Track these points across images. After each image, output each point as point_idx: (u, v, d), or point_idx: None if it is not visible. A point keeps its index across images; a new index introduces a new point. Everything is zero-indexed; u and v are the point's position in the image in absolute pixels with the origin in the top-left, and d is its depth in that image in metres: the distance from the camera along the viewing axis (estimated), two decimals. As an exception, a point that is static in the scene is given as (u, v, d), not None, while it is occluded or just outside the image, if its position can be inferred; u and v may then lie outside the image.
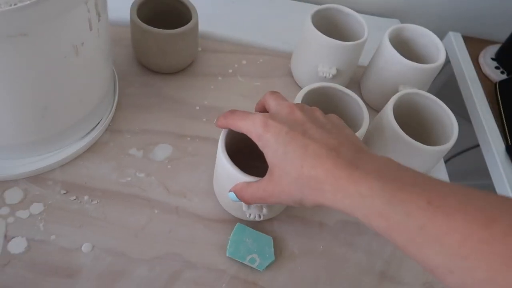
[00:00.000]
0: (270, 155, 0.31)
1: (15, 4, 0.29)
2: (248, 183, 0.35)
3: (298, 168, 0.29)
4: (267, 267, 0.41)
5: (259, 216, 0.40)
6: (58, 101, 0.40)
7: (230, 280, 0.40)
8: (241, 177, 0.37)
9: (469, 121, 0.67)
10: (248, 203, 0.36)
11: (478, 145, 0.66)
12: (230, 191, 0.37)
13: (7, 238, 0.39)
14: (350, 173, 0.27)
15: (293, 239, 0.44)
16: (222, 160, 0.38)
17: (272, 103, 0.35)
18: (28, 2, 0.29)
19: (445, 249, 0.22)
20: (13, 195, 0.42)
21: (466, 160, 1.01)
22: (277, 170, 0.31)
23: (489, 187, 0.63)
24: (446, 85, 0.86)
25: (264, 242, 0.42)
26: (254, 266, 0.41)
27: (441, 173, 0.56)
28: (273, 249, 0.42)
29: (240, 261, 0.41)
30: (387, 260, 0.45)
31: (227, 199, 0.42)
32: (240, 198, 0.36)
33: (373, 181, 0.26)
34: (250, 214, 0.40)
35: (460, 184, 0.25)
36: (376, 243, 0.46)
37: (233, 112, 0.36)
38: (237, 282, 0.40)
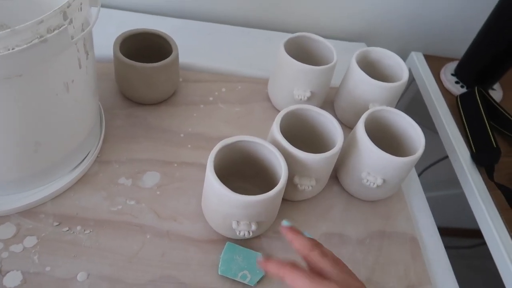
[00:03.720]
0: None
1: (12, 49, 0.31)
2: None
3: None
4: (258, 282, 0.43)
5: (249, 233, 0.42)
6: (50, 136, 0.42)
7: (224, 298, 0.42)
8: (230, 196, 0.39)
9: (437, 133, 0.72)
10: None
11: (447, 156, 0.70)
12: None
13: (2, 273, 0.39)
14: None
15: (281, 254, 0.46)
16: (211, 181, 0.40)
17: (333, 272, 0.34)
18: (25, 46, 0.31)
19: None
20: (6, 230, 0.42)
21: (438, 172, 1.06)
22: None
23: (461, 196, 0.67)
24: (413, 101, 0.92)
25: (254, 258, 0.44)
26: (245, 282, 0.42)
27: (415, 185, 0.59)
28: (263, 264, 0.44)
29: (232, 278, 0.43)
30: (371, 267, 0.48)
31: (216, 220, 0.44)
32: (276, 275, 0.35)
33: None
34: (240, 232, 0.42)
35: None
36: (359, 252, 0.49)
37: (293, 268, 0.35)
38: (231, 299, 0.42)
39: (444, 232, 0.61)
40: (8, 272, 0.40)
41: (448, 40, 0.85)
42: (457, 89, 0.74)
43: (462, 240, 1.19)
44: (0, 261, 0.40)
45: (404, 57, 0.84)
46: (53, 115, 0.40)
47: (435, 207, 0.61)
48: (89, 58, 0.42)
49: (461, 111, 0.70)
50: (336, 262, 0.35)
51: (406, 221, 0.53)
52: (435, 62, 0.80)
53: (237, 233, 0.42)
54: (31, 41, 0.32)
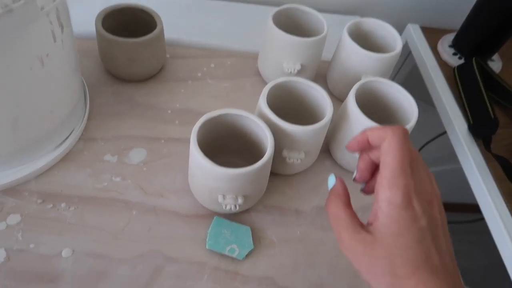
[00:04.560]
0: (389, 232, 0.26)
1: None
2: (346, 210, 0.29)
3: (408, 271, 0.26)
4: (247, 255, 0.42)
5: (235, 207, 0.42)
6: (28, 112, 0.40)
7: (211, 272, 0.41)
8: (214, 169, 0.38)
9: (435, 107, 0.70)
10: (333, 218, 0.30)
11: (446, 132, 0.69)
12: (331, 183, 0.32)
13: (-15, 250, 0.39)
14: None
15: (271, 228, 0.46)
16: (195, 154, 0.39)
17: (422, 169, 0.28)
18: (-11, 13, 0.30)
19: None
20: (-11, 208, 0.42)
21: (437, 148, 1.04)
22: (384, 250, 0.26)
23: (459, 171, 0.66)
24: (410, 76, 0.90)
25: (243, 232, 0.44)
26: (234, 255, 0.42)
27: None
28: (251, 238, 0.43)
29: (220, 252, 0.42)
30: (362, 240, 0.47)
31: (203, 194, 0.43)
32: (326, 207, 0.31)
33: None
34: (226, 205, 0.41)
35: None
36: (351, 225, 0.48)
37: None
38: (219, 273, 0.41)
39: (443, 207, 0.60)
40: (-9, 249, 0.39)
41: (445, 11, 0.82)
42: (455, 61, 0.72)
43: (460, 215, 1.18)
44: (-17, 239, 0.40)
45: (400, 30, 0.81)
46: (29, 91, 0.39)
47: None
48: (65, 32, 0.40)
49: (458, 82, 0.68)
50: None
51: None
52: (432, 34, 0.78)
53: (224, 207, 0.42)
54: (-4, 9, 0.30)
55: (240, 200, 0.41)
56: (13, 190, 0.43)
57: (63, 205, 0.43)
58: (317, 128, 0.44)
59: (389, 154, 0.27)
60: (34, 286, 0.37)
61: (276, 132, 0.43)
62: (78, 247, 0.41)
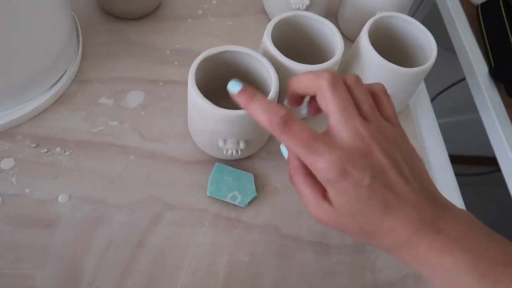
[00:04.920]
0: (343, 204, 0.26)
1: None
2: (305, 173, 0.28)
3: (374, 226, 0.26)
4: (249, 203, 0.41)
5: (237, 152, 0.39)
6: (13, 49, 0.37)
7: (212, 218, 0.40)
8: (213, 111, 0.35)
9: (455, 55, 0.66)
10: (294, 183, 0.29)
11: (464, 79, 0.64)
12: (284, 147, 0.31)
13: (-21, 195, 0.38)
14: (431, 239, 0.25)
15: (275, 175, 0.44)
16: (193, 95, 0.36)
17: (337, 118, 0.27)
18: None
19: None
20: (-19, 152, 0.40)
21: (452, 97, 1.00)
22: (348, 218, 0.27)
23: (475, 122, 0.62)
24: (429, 16, 0.83)
25: (245, 179, 0.42)
26: (236, 203, 0.40)
27: (424, 103, 0.55)
28: (254, 185, 0.41)
29: (221, 199, 0.40)
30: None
31: (203, 139, 0.41)
32: (289, 174, 0.30)
33: (458, 253, 0.24)
34: (227, 150, 0.39)
35: None
36: (359, 172, 0.45)
37: (292, 125, 0.27)
38: (220, 220, 0.40)
39: (454, 159, 0.58)
40: (-15, 194, 0.38)
41: None
42: (479, -2, 0.66)
43: (473, 167, 1.16)
44: (-24, 184, 0.38)
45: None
46: (11, 26, 0.35)
47: (446, 134, 0.57)
48: (47, -45, 0.36)
49: (482, 22, 0.63)
50: (379, 96, 0.30)
51: (412, 140, 0.49)
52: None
53: (225, 152, 0.39)
54: None
55: (242, 145, 0.39)
56: (5, 133, 0.42)
57: (58, 149, 0.41)
58: (325, 67, 0.40)
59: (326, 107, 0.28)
60: (30, 231, 0.37)
61: (281, 71, 0.39)
62: (74, 192, 0.39)
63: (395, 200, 0.26)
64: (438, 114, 0.55)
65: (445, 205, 0.27)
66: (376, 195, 0.26)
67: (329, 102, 0.28)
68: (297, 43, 0.46)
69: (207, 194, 0.40)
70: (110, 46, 0.50)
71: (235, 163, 0.43)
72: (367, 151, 0.26)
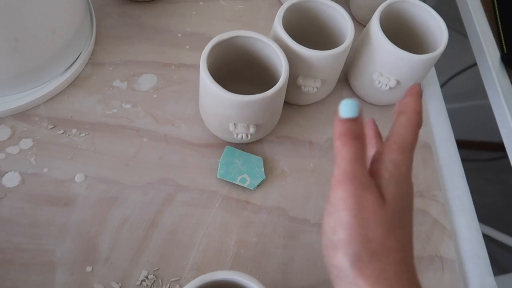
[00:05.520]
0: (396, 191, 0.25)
1: None
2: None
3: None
4: (258, 185, 0.42)
5: (247, 136, 0.40)
6: (29, 31, 0.38)
7: (222, 200, 0.41)
8: (224, 95, 0.36)
9: (467, 38, 0.65)
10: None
11: (475, 64, 0.64)
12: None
13: (0, 173, 0.39)
14: None
15: (283, 159, 0.45)
16: (205, 80, 0.37)
17: (391, 190, 0.26)
18: None
19: None
20: (1, 132, 0.42)
21: (462, 82, 0.99)
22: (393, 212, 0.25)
23: (484, 108, 0.62)
24: (441, 1, 0.82)
25: (255, 162, 0.43)
26: (245, 185, 0.41)
27: (434, 89, 0.55)
28: (263, 168, 0.43)
29: (231, 181, 0.42)
30: (377, 173, 0.46)
31: (214, 123, 0.42)
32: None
33: None
34: (237, 134, 0.40)
35: None
36: (366, 157, 0.46)
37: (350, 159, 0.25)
38: (230, 201, 0.41)
39: (462, 144, 0.58)
40: (6, 172, 0.40)
41: None
42: (494, -18, 0.65)
43: (480, 153, 1.16)
44: (-3, 162, 0.40)
45: None
46: (28, 8, 0.36)
47: (455, 119, 0.57)
48: None
49: (496, 7, 0.62)
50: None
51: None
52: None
53: (235, 136, 0.40)
54: None
55: (252, 129, 0.40)
56: (23, 114, 0.43)
57: (74, 130, 0.43)
58: (335, 53, 0.41)
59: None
60: (49, 209, 0.38)
61: (290, 56, 0.40)
62: (90, 172, 0.41)
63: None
64: (447, 99, 0.56)
65: None
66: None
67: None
68: (308, 28, 0.46)
69: (218, 176, 0.42)
70: (123, 29, 0.51)
71: (244, 146, 0.44)
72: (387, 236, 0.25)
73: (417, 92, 0.29)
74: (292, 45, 0.40)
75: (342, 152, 0.25)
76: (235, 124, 0.39)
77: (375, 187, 0.25)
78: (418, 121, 0.28)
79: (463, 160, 0.51)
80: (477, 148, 1.19)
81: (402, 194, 0.26)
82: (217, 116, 0.40)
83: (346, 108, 0.27)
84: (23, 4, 0.36)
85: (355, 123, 0.26)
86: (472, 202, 0.47)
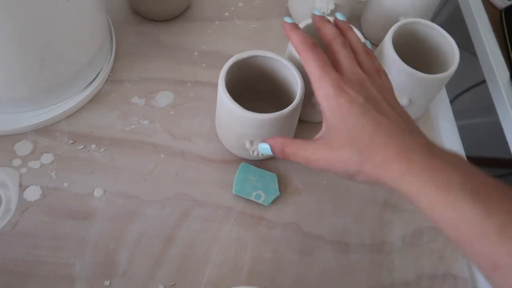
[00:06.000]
0: (337, 121, 0.30)
1: None
2: (293, 139, 0.33)
3: (366, 142, 0.28)
4: (272, 202, 0.43)
5: (263, 153, 0.41)
6: (56, 50, 0.40)
7: (238, 216, 0.42)
8: (242, 114, 0.37)
9: (476, 56, 0.66)
10: (288, 158, 0.34)
11: (484, 81, 0.64)
12: (264, 141, 0.35)
13: (22, 187, 0.41)
14: (426, 157, 0.26)
15: (297, 175, 0.45)
16: (223, 98, 0.38)
17: (344, 62, 0.33)
18: None
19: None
20: (23, 147, 0.43)
21: (472, 99, 0.99)
22: (340, 138, 0.29)
23: (494, 125, 0.63)
24: (451, 19, 0.83)
25: (269, 179, 0.44)
26: (260, 201, 0.42)
27: (444, 107, 0.55)
28: (277, 185, 0.43)
29: (246, 197, 0.42)
30: (389, 190, 0.46)
31: (230, 139, 0.43)
32: (279, 152, 0.34)
33: (452, 173, 0.25)
34: (253, 152, 0.41)
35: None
36: (378, 175, 0.47)
37: (307, 42, 0.33)
38: (245, 217, 0.42)
39: (471, 161, 0.58)
40: (28, 186, 0.41)
41: None
42: (503, 2, 0.66)
43: (489, 169, 1.15)
44: (19, 176, 0.41)
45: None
46: (55, 28, 0.38)
47: (465, 135, 0.57)
48: (89, -36, 0.38)
49: (505, 27, 0.63)
50: (359, 53, 0.34)
51: (431, 145, 0.50)
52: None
53: (251, 153, 0.41)
54: None
55: None
56: (45, 130, 0.44)
57: (93, 146, 0.44)
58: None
59: (306, 66, 0.32)
60: (69, 223, 0.39)
61: (306, 76, 0.41)
62: (109, 187, 0.42)
63: (386, 121, 0.29)
64: (457, 116, 0.56)
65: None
66: (368, 114, 0.29)
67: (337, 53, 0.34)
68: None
69: (233, 192, 0.42)
70: (141, 47, 0.52)
71: (259, 163, 0.45)
72: (362, 82, 0.31)
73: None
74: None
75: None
76: (251, 142, 0.40)
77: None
78: (300, 49, 0.34)
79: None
80: (487, 165, 1.18)
81: (342, 113, 0.30)
82: (234, 133, 0.41)
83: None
84: (50, 24, 0.37)
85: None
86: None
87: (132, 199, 0.41)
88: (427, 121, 0.52)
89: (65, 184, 0.41)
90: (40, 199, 0.40)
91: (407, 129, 0.28)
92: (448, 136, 0.53)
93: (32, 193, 0.40)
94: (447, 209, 0.24)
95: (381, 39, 0.50)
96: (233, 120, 0.39)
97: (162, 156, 0.45)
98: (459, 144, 0.52)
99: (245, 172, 0.44)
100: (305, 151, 0.32)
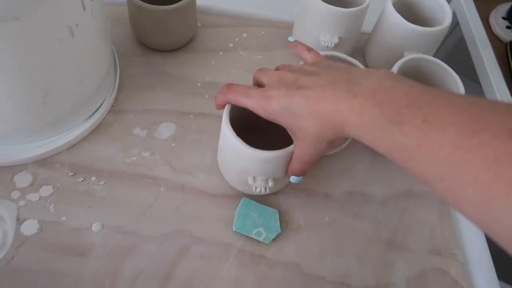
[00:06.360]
0: (284, 122, 0.34)
1: (3, -11, 0.28)
2: (292, 163, 0.38)
3: (308, 118, 0.32)
4: (273, 239, 0.42)
5: (265, 189, 0.41)
6: (59, 84, 0.40)
7: (237, 253, 0.41)
8: (246, 150, 0.37)
9: (481, 86, 0.66)
10: (302, 174, 0.38)
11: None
12: (289, 175, 0.39)
13: (19, 221, 0.40)
14: (350, 104, 0.29)
15: (299, 212, 0.45)
16: (227, 134, 0.38)
17: (263, 78, 0.37)
18: (16, -15, 0.29)
19: (439, 161, 0.24)
20: (23, 179, 0.43)
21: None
22: (297, 131, 0.33)
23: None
24: (456, 49, 0.83)
25: (270, 215, 0.43)
26: (260, 239, 0.41)
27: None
28: (279, 222, 0.42)
29: (247, 234, 0.41)
30: (393, 229, 0.45)
31: (232, 174, 0.42)
32: (294, 174, 0.38)
33: (371, 108, 0.28)
34: (256, 188, 0.40)
35: (452, 93, 0.27)
36: (382, 213, 0.46)
37: (231, 87, 0.38)
38: (245, 255, 0.41)
39: None
40: (25, 220, 0.40)
41: (502, -22, 0.75)
42: (508, 35, 0.66)
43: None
44: (17, 209, 0.41)
45: (449, -2, 0.75)
46: (60, 63, 0.38)
47: None
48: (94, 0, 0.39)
49: (510, 60, 0.63)
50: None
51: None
52: (484, 4, 0.71)
53: (253, 189, 0.41)
54: (23, -20, 0.29)
55: (270, 183, 0.40)
56: (45, 161, 0.44)
57: (93, 178, 0.44)
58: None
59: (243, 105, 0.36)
60: (65, 258, 0.39)
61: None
62: (107, 221, 0.41)
63: (310, 90, 0.32)
64: None
65: (362, 73, 0.31)
66: (294, 96, 0.32)
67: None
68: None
69: (233, 229, 0.42)
70: (145, 78, 0.52)
71: (260, 198, 0.45)
72: (281, 77, 0.35)
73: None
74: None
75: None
76: (254, 178, 0.40)
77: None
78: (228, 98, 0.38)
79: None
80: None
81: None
82: (236, 169, 0.40)
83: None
84: (54, 60, 0.38)
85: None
86: (491, 260, 0.46)
87: (130, 235, 0.41)
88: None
89: (63, 218, 0.41)
90: (37, 233, 0.40)
91: (329, 83, 0.31)
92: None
93: (29, 227, 0.40)
94: (380, 142, 0.28)
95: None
96: (237, 156, 0.39)
97: (162, 189, 0.44)
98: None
99: (246, 208, 0.43)
100: (297, 160, 0.37)
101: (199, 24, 0.59)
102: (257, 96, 0.34)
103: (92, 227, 0.41)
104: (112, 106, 0.49)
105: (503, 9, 0.70)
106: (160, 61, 0.54)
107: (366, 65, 0.58)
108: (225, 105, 0.39)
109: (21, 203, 0.41)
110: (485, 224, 0.23)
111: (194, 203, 0.44)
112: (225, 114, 0.38)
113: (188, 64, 0.55)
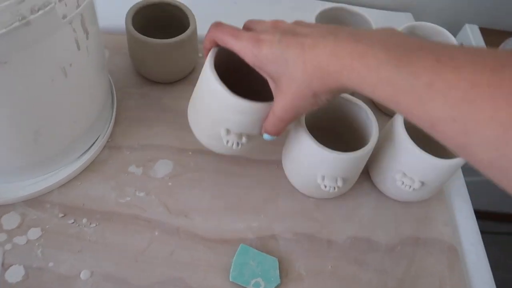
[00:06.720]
0: (271, 70, 0.31)
1: (-10, 34, 0.27)
2: (267, 115, 0.35)
3: (301, 66, 0.29)
4: (272, 290, 0.39)
5: (237, 144, 0.38)
6: (50, 124, 0.38)
7: (234, 306, 0.39)
8: (227, 95, 0.34)
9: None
10: (276, 134, 0.36)
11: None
12: (263, 132, 0.37)
13: (4, 267, 0.38)
14: (352, 48, 0.27)
15: (299, 259, 0.42)
16: (208, 77, 0.35)
17: (256, 26, 0.34)
18: (3, 30, 0.27)
19: (452, 100, 0.22)
20: (11, 220, 0.41)
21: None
22: (284, 80, 0.31)
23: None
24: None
25: (269, 264, 0.41)
26: (258, 290, 0.39)
27: (459, 184, 0.52)
28: (278, 271, 0.40)
29: (244, 286, 0.39)
30: (400, 278, 0.43)
31: (203, 125, 0.40)
32: (268, 132, 0.36)
33: (378, 51, 0.26)
34: (227, 141, 0.38)
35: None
36: (388, 261, 0.44)
37: (219, 26, 0.34)
38: (241, 308, 0.39)
39: (482, 216, 0.54)
40: (10, 266, 0.38)
41: (509, 10, 0.73)
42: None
43: (501, 225, 1.12)
44: (3, 254, 0.38)
45: (456, 30, 0.74)
46: (51, 103, 0.36)
47: (475, 191, 0.54)
48: (90, 36, 0.37)
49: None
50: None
51: (445, 227, 0.47)
52: (493, 37, 0.70)
53: (225, 143, 0.38)
54: (11, 24, 0.27)
55: (244, 139, 0.37)
56: (35, 201, 0.42)
57: (84, 220, 0.42)
58: (357, 156, 0.39)
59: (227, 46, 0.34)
60: (51, 311, 0.36)
61: (312, 156, 0.39)
62: (97, 268, 0.39)
63: (308, 38, 0.29)
64: (466, 172, 0.53)
65: (366, 30, 0.29)
66: (289, 43, 0.30)
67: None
68: (331, 124, 0.46)
69: (230, 279, 0.39)
70: (143, 111, 0.51)
71: (259, 244, 0.42)
72: (274, 25, 0.32)
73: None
74: (313, 145, 0.39)
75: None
76: (228, 130, 0.37)
77: None
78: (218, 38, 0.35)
79: (483, 232, 0.48)
80: (498, 220, 1.15)
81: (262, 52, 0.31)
82: (210, 119, 0.38)
83: None
84: (45, 100, 0.36)
85: None
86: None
87: (120, 283, 0.38)
88: (440, 201, 0.49)
89: (51, 264, 0.39)
90: (22, 281, 0.37)
91: (330, 32, 0.29)
92: (464, 218, 0.50)
93: (14, 274, 0.38)
94: (385, 85, 0.25)
95: (392, 111, 0.48)
96: (215, 102, 0.36)
97: (156, 233, 0.42)
98: (476, 228, 0.49)
99: (244, 255, 0.41)
100: (273, 116, 0.34)
101: (200, 55, 0.57)
102: (247, 39, 0.32)
103: (81, 275, 0.38)
104: (108, 141, 0.47)
105: None
106: (159, 93, 0.53)
107: (373, 103, 0.56)
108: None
109: (7, 246, 0.39)
110: (496, 167, 0.21)
111: (190, 249, 0.41)
112: (210, 57, 0.36)
113: (187, 97, 0.52)
